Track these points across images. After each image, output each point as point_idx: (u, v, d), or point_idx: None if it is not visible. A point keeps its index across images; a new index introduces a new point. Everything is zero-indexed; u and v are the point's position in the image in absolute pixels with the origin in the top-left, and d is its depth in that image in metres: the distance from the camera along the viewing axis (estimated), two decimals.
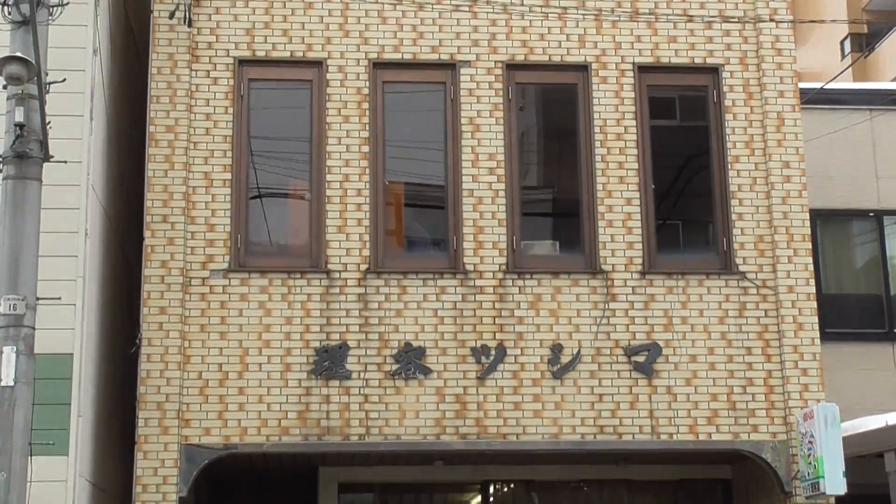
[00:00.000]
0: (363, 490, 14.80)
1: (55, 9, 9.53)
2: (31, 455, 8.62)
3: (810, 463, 12.01)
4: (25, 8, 9.18)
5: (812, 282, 13.02)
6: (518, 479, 14.81)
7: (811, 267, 13.08)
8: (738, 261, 12.99)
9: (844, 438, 11.96)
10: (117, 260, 13.17)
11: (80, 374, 11.05)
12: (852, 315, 16.50)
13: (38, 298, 8.97)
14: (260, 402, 12.09)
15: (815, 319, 12.91)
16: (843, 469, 11.77)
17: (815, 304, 12.95)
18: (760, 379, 12.73)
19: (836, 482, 11.74)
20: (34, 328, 8.86)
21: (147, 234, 12.32)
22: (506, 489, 14.97)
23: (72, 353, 10.97)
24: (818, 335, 12.90)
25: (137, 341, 12.08)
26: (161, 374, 12.00)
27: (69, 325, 10.96)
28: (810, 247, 13.17)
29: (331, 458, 13.90)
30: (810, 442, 12.01)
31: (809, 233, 13.20)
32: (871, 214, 16.73)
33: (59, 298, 9.85)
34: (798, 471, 12.37)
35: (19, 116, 9.09)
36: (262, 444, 12.05)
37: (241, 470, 15.29)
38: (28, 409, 8.63)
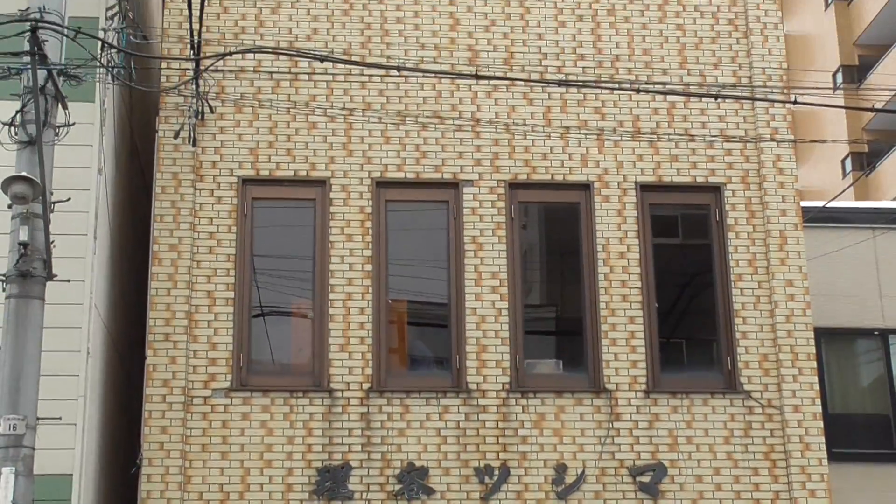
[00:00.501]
0: None
1: (61, 129, 9.64)
2: None
3: None
4: (32, 128, 9.28)
5: (818, 401, 12.93)
6: None
7: (817, 386, 13.01)
8: (743, 380, 12.93)
9: None
10: (119, 379, 13.13)
11: (80, 496, 10.94)
12: (859, 435, 16.37)
13: (38, 418, 8.93)
14: None
15: (822, 439, 12.81)
16: None
17: (821, 424, 12.86)
18: (768, 500, 12.58)
19: None
20: (34, 448, 8.81)
21: (149, 352, 12.30)
22: None
23: (71, 474, 10.88)
24: (825, 455, 12.79)
25: (138, 461, 11.99)
26: (161, 494, 11.88)
27: (69, 445, 10.89)
28: (815, 366, 13.11)
29: None
30: None
31: (814, 351, 13.15)
32: (876, 333, 16.69)
33: (60, 418, 9.83)
34: None
35: (23, 235, 9.14)
36: None
37: None
38: None
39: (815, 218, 16.36)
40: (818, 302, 15.02)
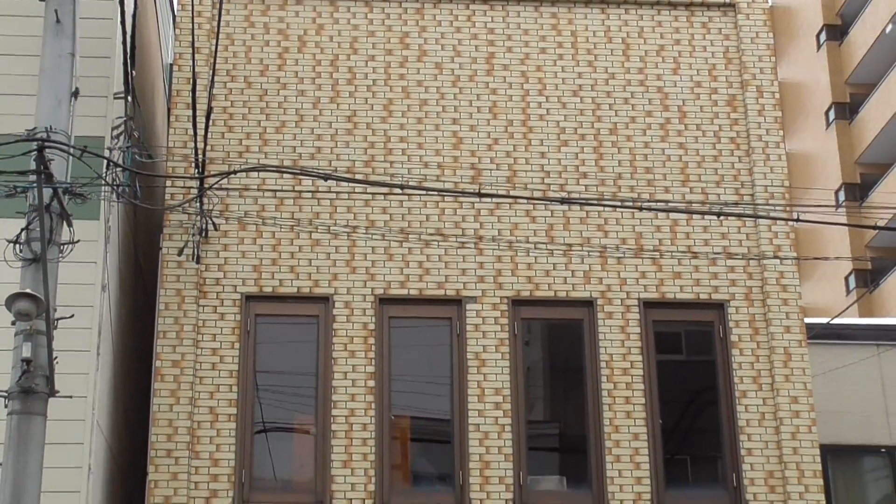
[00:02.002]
0: None
1: (66, 247, 9.72)
2: None
3: None
4: (36, 246, 9.37)
5: None
6: None
7: (823, 503, 12.91)
8: (749, 496, 12.86)
9: None
10: (120, 495, 13.07)
11: None
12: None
13: None
14: None
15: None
16: None
17: None
18: None
19: None
20: None
21: (150, 468, 12.26)
22: None
23: None
24: None
25: None
26: None
27: None
28: (822, 483, 13.04)
29: None
30: None
31: (820, 468, 13.08)
32: (883, 451, 16.59)
33: None
34: None
35: (26, 352, 9.17)
36: None
37: None
38: None
39: (820, 335, 16.38)
40: (824, 419, 14.96)
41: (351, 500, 12.42)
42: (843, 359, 16.50)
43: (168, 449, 12.34)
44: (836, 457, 16.40)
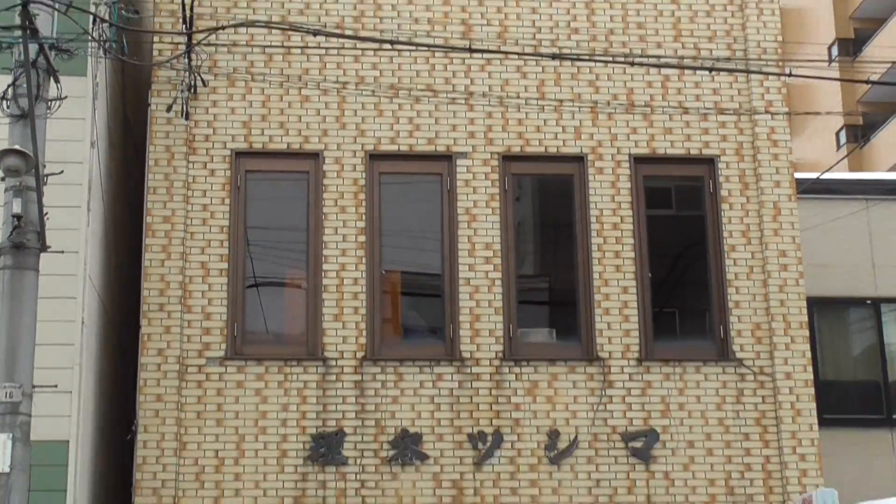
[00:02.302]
0: None
1: (53, 103, 9.73)
2: None
3: None
4: (24, 102, 9.37)
5: (810, 368, 13.06)
6: None
7: (809, 354, 13.12)
8: (736, 348, 13.04)
9: None
10: (113, 348, 13.26)
11: (76, 461, 11.08)
12: (850, 401, 16.49)
13: (34, 386, 9.05)
14: (256, 488, 12.11)
15: (813, 406, 12.93)
16: None
17: (812, 391, 12.98)
18: (758, 465, 12.72)
19: None
20: (30, 415, 8.93)
21: (143, 322, 12.44)
22: None
23: (68, 441, 11.03)
24: (816, 421, 12.92)
25: (133, 428, 12.14)
26: (157, 460, 12.04)
27: (65, 412, 11.03)
28: (808, 334, 13.23)
29: None
30: None
31: (807, 320, 13.27)
32: (869, 302, 16.77)
33: (56, 386, 9.95)
34: None
35: (17, 208, 9.24)
36: None
37: None
38: (24, 496, 8.68)
39: (809, 189, 16.42)
40: (811, 272, 15.10)
41: (342, 353, 12.60)
42: (832, 213, 16.57)
43: (160, 303, 12.49)
44: (822, 309, 16.59)
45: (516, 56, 13.43)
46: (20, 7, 9.36)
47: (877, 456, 15.99)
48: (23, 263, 9.28)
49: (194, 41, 12.59)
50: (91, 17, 10.95)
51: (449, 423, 12.50)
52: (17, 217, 9.26)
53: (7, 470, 8.66)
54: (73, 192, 11.51)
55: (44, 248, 9.41)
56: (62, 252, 10.17)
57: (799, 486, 12.59)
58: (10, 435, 8.77)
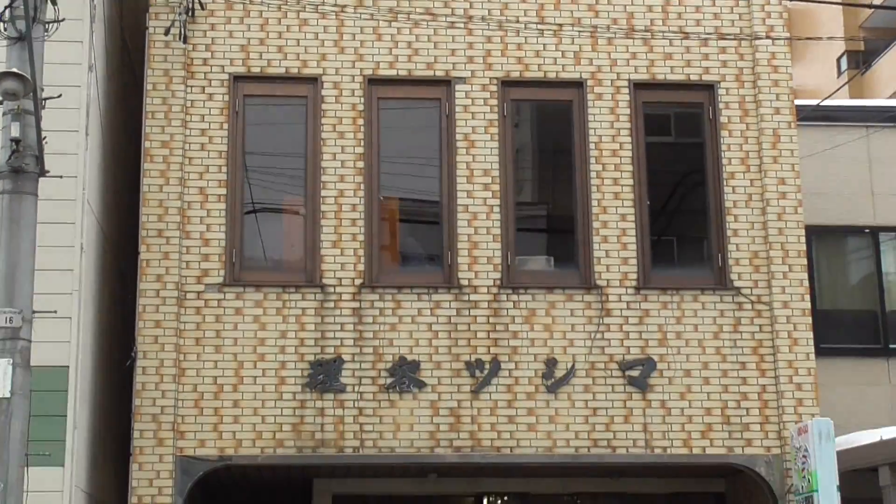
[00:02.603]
0: (357, 502, 14.85)
1: (51, 25, 9.60)
2: (27, 466, 8.66)
3: (804, 477, 12.04)
4: (21, 24, 9.25)
5: (807, 297, 13.07)
6: (512, 492, 14.89)
7: (806, 283, 13.13)
8: (734, 276, 13.05)
9: (838, 453, 11.99)
10: (112, 274, 13.24)
11: (76, 387, 11.11)
12: (847, 331, 16.54)
13: (33, 312, 9.02)
14: (255, 414, 12.16)
15: (810, 335, 12.96)
16: (837, 483, 11.81)
17: (809, 320, 13.00)
18: (755, 393, 12.77)
19: (830, 496, 11.77)
20: (30, 341, 8.92)
21: (142, 248, 12.41)
22: (499, 501, 15.03)
23: (68, 366, 11.04)
24: (813, 350, 12.95)
25: (133, 354, 12.16)
26: (156, 386, 12.07)
27: (65, 338, 11.03)
28: (806, 263, 13.23)
29: (325, 471, 13.99)
30: (804, 456, 12.04)
31: (805, 249, 13.26)
32: (867, 231, 16.77)
33: (55, 312, 9.91)
34: (792, 485, 12.40)
35: (15, 132, 9.15)
36: (256, 457, 12.11)
37: (236, 482, 15.34)
38: (24, 421, 8.68)
39: (809, 117, 16.37)
40: (810, 200, 15.08)
41: (340, 279, 12.59)
42: (831, 140, 16.52)
43: (159, 229, 12.45)
44: (820, 237, 16.59)
45: None
46: None
47: (872, 385, 16.09)
48: (21, 188, 9.21)
49: None
50: None
51: (447, 351, 12.52)
52: (16, 141, 9.17)
53: (8, 395, 8.66)
54: (71, 117, 11.43)
55: (42, 172, 9.34)
56: (61, 177, 10.10)
57: (795, 415, 12.65)
58: (10, 360, 8.76)
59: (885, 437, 12.27)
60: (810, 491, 11.89)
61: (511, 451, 12.40)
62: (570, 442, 12.47)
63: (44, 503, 10.39)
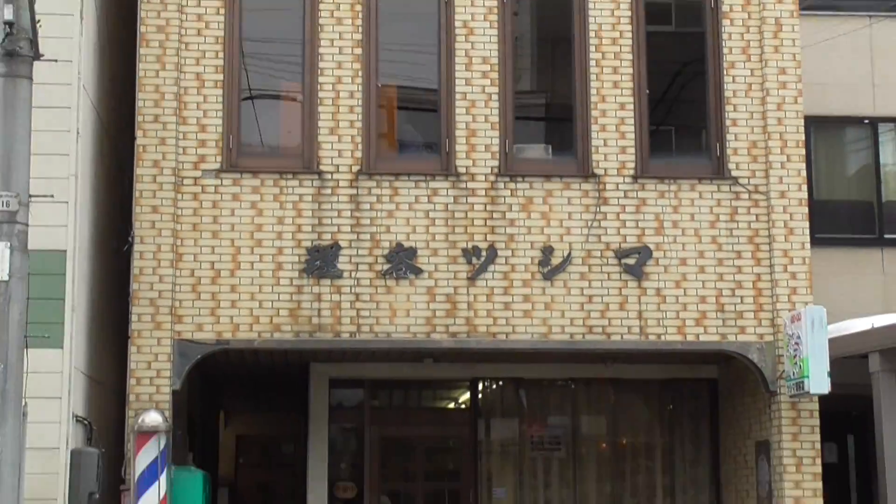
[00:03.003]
0: (354, 386, 15.06)
1: None
2: (27, 348, 8.76)
3: (796, 363, 12.18)
4: None
5: (804, 187, 13.09)
6: (507, 378, 15.06)
7: (804, 173, 13.14)
8: (731, 166, 13.05)
9: (830, 340, 12.13)
10: (109, 159, 13.24)
11: (74, 270, 11.19)
12: (843, 221, 16.59)
13: (30, 196, 9.04)
14: (252, 299, 12.25)
15: (806, 224, 13.01)
16: (828, 369, 11.95)
17: (806, 210, 13.03)
18: (749, 282, 12.85)
19: (820, 382, 11.93)
20: (27, 225, 8.94)
21: (139, 133, 12.39)
22: (494, 387, 15.22)
23: (65, 250, 11.10)
24: (808, 240, 13.01)
25: (130, 239, 12.22)
26: (154, 271, 12.15)
27: (62, 222, 11.08)
28: (804, 153, 13.22)
29: (322, 355, 14.15)
30: (797, 343, 12.17)
31: (803, 139, 13.24)
32: (866, 121, 16.73)
33: (52, 196, 9.95)
34: (783, 371, 12.55)
35: (8, 14, 9.06)
36: (253, 341, 12.24)
37: (234, 366, 15.53)
38: (23, 304, 8.75)
39: (812, 6, 16.23)
40: (810, 90, 14.99)
41: (338, 166, 12.60)
42: (833, 30, 16.39)
43: (155, 114, 12.42)
44: (819, 127, 16.56)
45: None
46: None
47: (866, 275, 16.18)
48: (16, 71, 9.16)
49: None
50: None
51: (443, 238, 12.58)
52: (9, 24, 9.09)
53: (6, 278, 8.72)
54: (66, 0, 11.33)
55: (37, 55, 9.28)
56: (55, 61, 10.03)
57: (788, 303, 12.74)
58: (8, 244, 8.79)
59: (876, 325, 12.39)
60: (801, 377, 12.04)
61: (506, 337, 12.52)
62: (566, 329, 12.58)
63: (44, 384, 10.55)
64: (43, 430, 10.52)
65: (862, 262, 16.27)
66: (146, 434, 11.16)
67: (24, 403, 8.63)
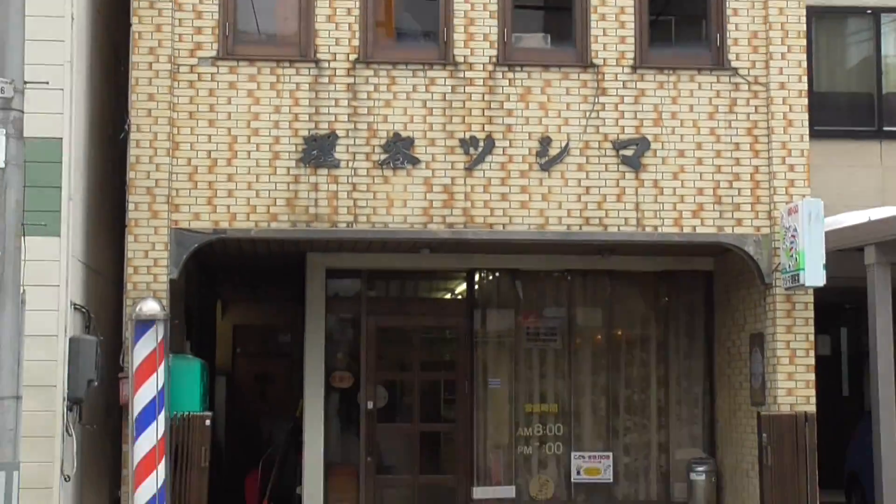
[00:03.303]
0: (351, 276, 15.08)
1: None
2: (24, 236, 8.74)
3: (792, 256, 12.21)
4: None
5: (804, 79, 13.00)
6: (503, 269, 15.08)
7: (804, 64, 13.05)
8: (731, 57, 12.95)
9: (827, 233, 12.14)
10: (105, 47, 13.11)
11: (70, 158, 11.13)
12: (842, 113, 16.50)
13: (25, 83, 8.95)
14: (249, 188, 12.22)
15: (805, 116, 12.95)
16: (824, 262, 11.99)
17: (805, 101, 12.97)
18: (747, 174, 12.83)
19: (816, 274, 11.97)
20: (23, 111, 8.88)
21: (134, 20, 12.25)
22: (491, 278, 15.25)
23: (61, 138, 11.03)
24: (807, 132, 12.96)
25: (126, 127, 12.14)
26: (150, 159, 12.09)
27: (58, 109, 10.98)
28: (804, 44, 13.11)
29: (318, 245, 14.16)
30: (793, 236, 12.19)
31: (804, 29, 13.12)
32: (869, 11, 16.53)
33: (48, 83, 9.86)
34: (779, 263, 12.58)
35: None
36: (250, 230, 12.23)
37: (231, 256, 15.55)
38: (20, 191, 8.71)
39: None
40: None
41: (335, 55, 12.48)
42: None
43: (151, 1, 12.27)
44: (820, 18, 16.39)
45: None
46: None
47: (864, 167, 16.14)
48: None
49: None
50: None
51: (441, 128, 12.52)
52: None
53: (2, 165, 8.67)
54: None
55: None
56: None
57: (786, 195, 12.74)
58: (4, 131, 8.73)
59: (872, 218, 12.38)
60: (797, 269, 12.08)
61: (503, 228, 12.52)
62: (562, 220, 12.58)
63: (42, 272, 10.55)
64: (41, 318, 10.53)
65: (860, 154, 16.21)
66: (144, 322, 11.19)
67: (22, 291, 8.64)
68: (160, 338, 11.20)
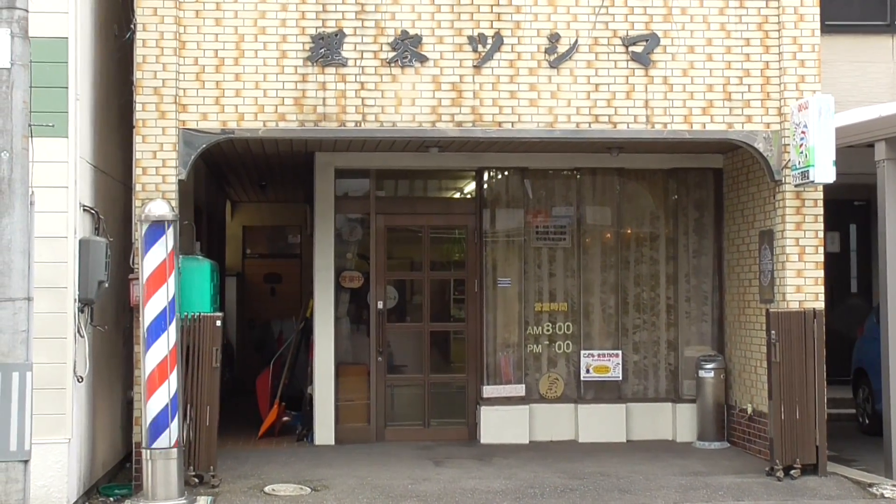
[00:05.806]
0: (360, 176, 15.06)
1: None
2: (31, 137, 8.73)
3: (802, 152, 12.16)
4: None
5: None
6: (512, 167, 15.05)
7: None
8: None
9: (836, 129, 12.07)
10: None
11: (77, 58, 11.04)
12: (853, 7, 16.31)
13: None
14: (256, 88, 12.14)
15: (817, 11, 12.82)
16: (834, 158, 11.95)
17: None
18: (757, 70, 12.74)
19: (825, 171, 11.94)
20: (27, 11, 8.82)
21: None
22: (500, 176, 15.22)
23: (67, 37, 10.93)
24: (818, 27, 12.83)
25: (132, 26, 12.04)
26: (157, 59, 12.00)
27: (63, 9, 10.88)
28: None
29: (327, 145, 14.13)
30: (803, 132, 12.13)
31: None
32: None
33: None
34: (789, 160, 12.54)
35: None
36: (258, 130, 12.17)
37: (240, 157, 15.53)
38: (26, 91, 8.68)
39: None
40: None
41: None
42: None
43: None
44: None
45: None
46: None
47: (875, 62, 15.99)
48: None
49: None
50: None
51: (449, 25, 12.40)
52: None
53: (7, 65, 8.64)
54: None
55: None
56: None
57: (796, 91, 12.66)
58: (9, 30, 8.69)
59: (883, 114, 12.29)
60: (807, 166, 12.04)
61: (512, 125, 12.46)
62: (572, 117, 12.52)
63: (50, 174, 10.56)
64: (51, 220, 10.55)
65: (872, 49, 16.05)
66: (154, 225, 11.17)
67: (31, 192, 8.65)
68: (171, 246, 11.14)
